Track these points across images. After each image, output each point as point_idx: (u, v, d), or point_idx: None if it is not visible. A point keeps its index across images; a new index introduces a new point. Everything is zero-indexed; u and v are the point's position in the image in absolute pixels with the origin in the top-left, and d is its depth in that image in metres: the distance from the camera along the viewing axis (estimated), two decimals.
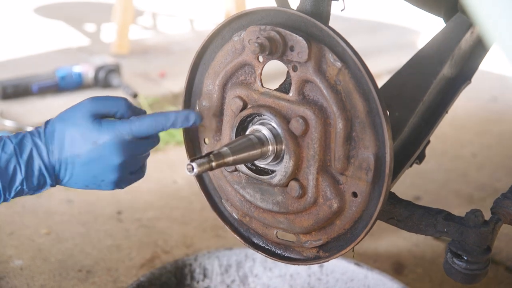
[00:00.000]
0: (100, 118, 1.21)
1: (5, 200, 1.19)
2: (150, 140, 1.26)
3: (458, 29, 1.38)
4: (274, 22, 1.17)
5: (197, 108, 1.32)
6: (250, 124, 1.23)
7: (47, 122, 1.23)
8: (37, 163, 1.18)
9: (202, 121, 1.29)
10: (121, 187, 1.28)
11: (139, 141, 1.23)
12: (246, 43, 1.18)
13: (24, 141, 1.19)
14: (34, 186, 1.20)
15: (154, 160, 2.81)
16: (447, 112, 1.38)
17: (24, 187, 1.18)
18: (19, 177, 1.17)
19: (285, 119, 1.16)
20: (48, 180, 1.20)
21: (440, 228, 1.18)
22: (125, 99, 1.25)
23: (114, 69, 3.45)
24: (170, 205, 2.47)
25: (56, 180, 1.22)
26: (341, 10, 1.22)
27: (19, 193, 1.20)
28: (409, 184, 2.65)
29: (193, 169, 1.10)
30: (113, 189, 1.27)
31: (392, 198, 1.24)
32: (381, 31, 5.21)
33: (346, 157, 1.11)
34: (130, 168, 1.25)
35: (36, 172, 1.19)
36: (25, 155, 1.17)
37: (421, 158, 1.42)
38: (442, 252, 2.17)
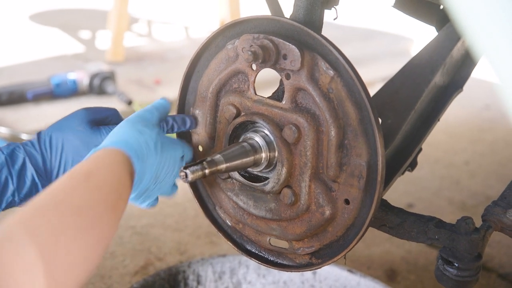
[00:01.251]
0: (96, 125, 1.22)
1: None
2: None
3: (450, 38, 1.39)
4: (268, 30, 1.18)
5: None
6: (244, 132, 1.24)
7: (39, 133, 1.21)
8: (29, 172, 1.17)
9: (196, 127, 1.31)
10: None
11: None
12: (240, 51, 1.18)
13: (16, 152, 1.17)
14: (26, 197, 1.17)
15: None
16: (439, 120, 1.40)
17: (16, 198, 1.16)
18: (11, 188, 1.15)
19: (278, 127, 1.17)
20: (41, 190, 1.18)
21: (431, 235, 1.18)
22: (115, 109, 1.27)
23: (109, 76, 3.46)
24: (164, 212, 2.47)
25: None
26: (334, 19, 1.23)
27: (10, 205, 1.17)
28: (402, 192, 2.66)
29: (186, 176, 1.11)
30: None
31: (384, 205, 1.25)
32: (374, 39, 5.23)
33: (339, 165, 1.12)
34: None
35: (28, 183, 1.17)
36: (17, 166, 1.16)
37: (413, 165, 1.43)
38: (435, 259, 2.17)
